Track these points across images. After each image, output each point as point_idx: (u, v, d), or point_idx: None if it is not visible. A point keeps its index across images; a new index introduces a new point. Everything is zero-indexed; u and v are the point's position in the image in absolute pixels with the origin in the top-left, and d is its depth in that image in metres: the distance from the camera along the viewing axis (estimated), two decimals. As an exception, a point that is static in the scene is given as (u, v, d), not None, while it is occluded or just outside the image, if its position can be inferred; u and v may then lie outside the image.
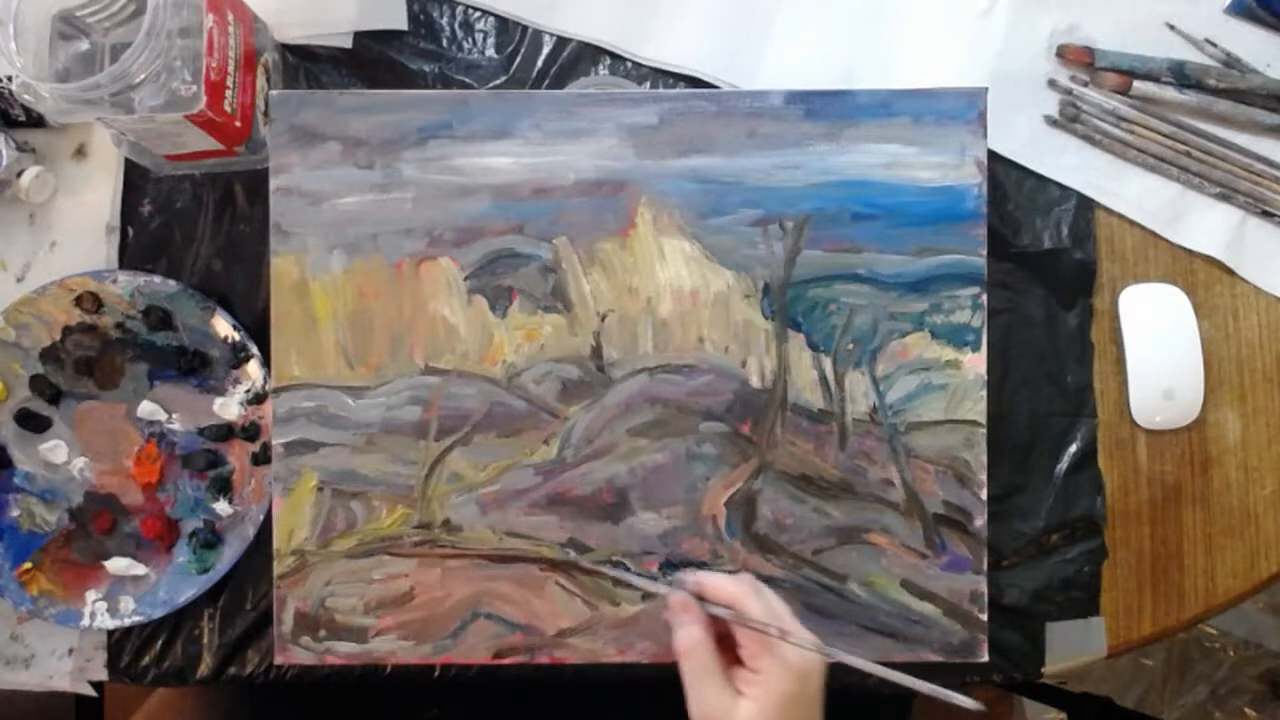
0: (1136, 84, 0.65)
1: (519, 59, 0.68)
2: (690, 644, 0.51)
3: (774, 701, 0.48)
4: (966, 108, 0.60)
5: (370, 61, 0.67)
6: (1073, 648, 0.64)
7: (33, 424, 0.65)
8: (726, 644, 0.51)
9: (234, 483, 0.65)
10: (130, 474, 0.65)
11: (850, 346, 0.60)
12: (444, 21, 0.68)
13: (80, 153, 0.68)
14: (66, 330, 0.64)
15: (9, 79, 0.55)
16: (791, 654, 0.49)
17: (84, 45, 0.59)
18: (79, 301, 0.64)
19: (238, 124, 0.60)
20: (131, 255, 0.67)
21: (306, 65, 0.67)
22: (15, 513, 0.65)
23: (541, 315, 0.61)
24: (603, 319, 0.61)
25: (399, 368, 0.60)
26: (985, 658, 0.60)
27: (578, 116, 0.60)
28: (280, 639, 0.61)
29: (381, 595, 0.61)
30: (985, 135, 0.60)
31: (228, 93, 0.59)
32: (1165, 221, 0.66)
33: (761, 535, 0.60)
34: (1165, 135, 0.66)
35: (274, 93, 0.61)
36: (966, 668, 0.62)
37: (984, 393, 0.60)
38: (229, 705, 0.77)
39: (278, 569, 0.61)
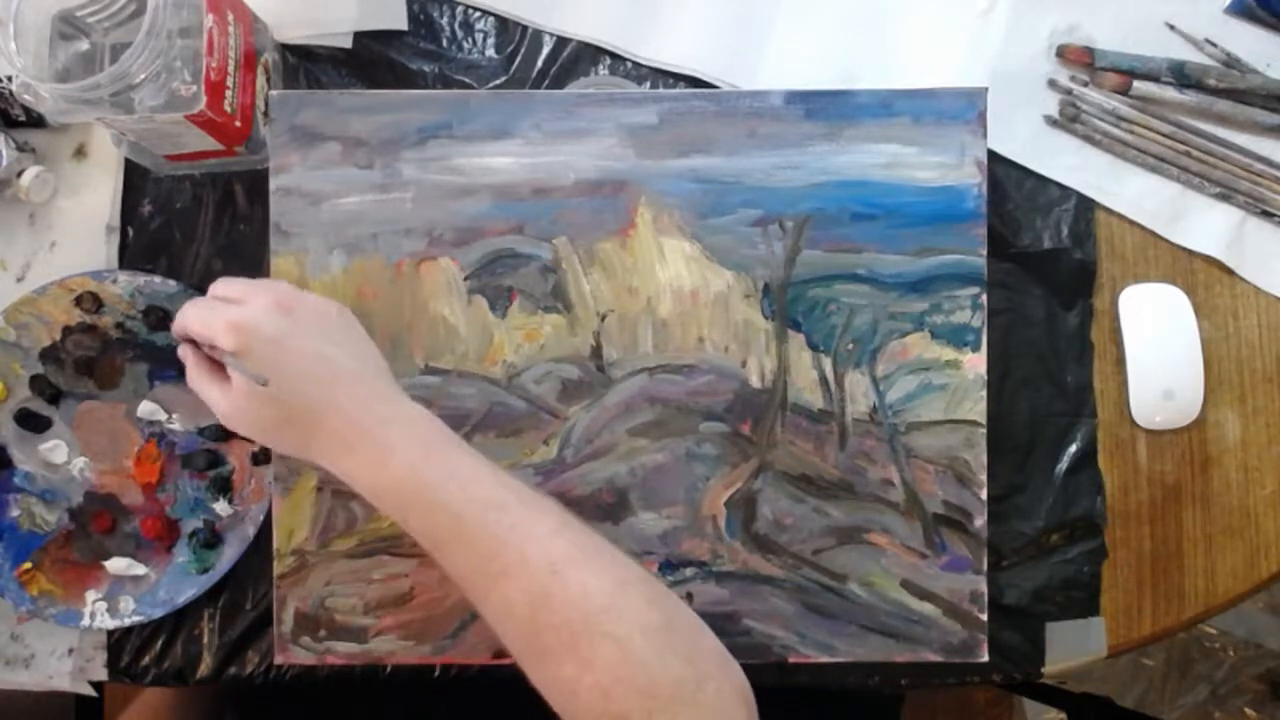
0: (1136, 84, 0.65)
1: (519, 59, 0.68)
2: (189, 374, 0.55)
3: (238, 389, 0.52)
4: (966, 108, 0.60)
5: (370, 61, 0.67)
6: (1073, 648, 0.64)
7: (33, 424, 0.65)
8: None
9: (234, 483, 0.65)
10: (130, 474, 0.65)
11: (850, 346, 0.60)
12: (444, 21, 0.68)
13: (80, 153, 0.68)
14: (66, 330, 0.64)
15: (9, 79, 0.55)
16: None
17: (84, 45, 0.59)
18: (79, 301, 0.64)
19: (238, 124, 0.60)
20: (131, 255, 0.67)
21: (306, 65, 0.67)
22: (15, 513, 0.65)
23: (541, 315, 0.61)
24: (603, 319, 0.61)
25: (399, 368, 0.60)
26: (985, 658, 0.60)
27: (578, 116, 0.60)
28: (280, 639, 0.61)
29: (381, 595, 0.61)
30: (985, 135, 0.60)
31: (228, 93, 0.59)
32: (1165, 221, 0.66)
33: (761, 535, 0.60)
34: (1165, 135, 0.66)
35: (274, 93, 0.61)
36: (966, 668, 0.62)
37: (984, 393, 0.60)
38: (216, 707, 0.77)
39: (278, 569, 0.61)
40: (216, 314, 0.52)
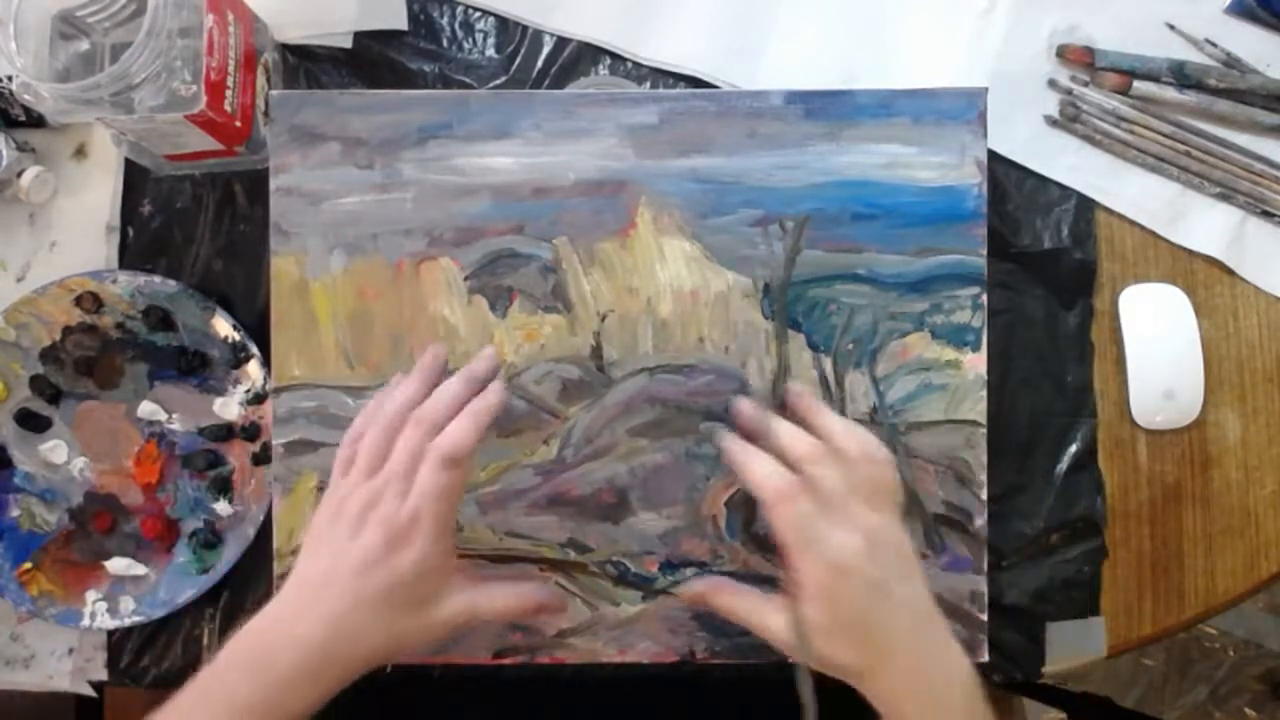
0: (1136, 84, 0.65)
1: (519, 59, 0.68)
2: (710, 587, 0.53)
3: (819, 596, 0.48)
4: (966, 108, 0.60)
5: (370, 61, 0.67)
6: (1073, 648, 0.64)
7: (33, 424, 0.65)
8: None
9: (234, 483, 0.65)
10: (130, 474, 0.65)
11: (850, 346, 0.60)
12: (444, 21, 0.68)
13: (80, 153, 0.68)
14: (66, 330, 0.64)
15: (9, 79, 0.55)
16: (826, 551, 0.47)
17: (84, 45, 0.59)
18: (79, 301, 0.64)
19: (238, 124, 0.60)
20: (131, 255, 0.67)
21: (306, 65, 0.67)
22: (15, 513, 0.65)
23: (541, 315, 0.61)
24: (603, 319, 0.61)
25: (399, 368, 0.60)
26: (985, 658, 0.60)
27: (578, 116, 0.60)
28: (280, 639, 0.61)
29: (381, 595, 0.60)
30: (985, 135, 0.60)
31: (228, 93, 0.59)
32: (1165, 221, 0.66)
33: (761, 535, 0.60)
34: (1165, 135, 0.66)
35: (274, 93, 0.61)
36: (966, 668, 0.62)
37: (984, 393, 0.60)
38: None
39: (278, 569, 0.61)
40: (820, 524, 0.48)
